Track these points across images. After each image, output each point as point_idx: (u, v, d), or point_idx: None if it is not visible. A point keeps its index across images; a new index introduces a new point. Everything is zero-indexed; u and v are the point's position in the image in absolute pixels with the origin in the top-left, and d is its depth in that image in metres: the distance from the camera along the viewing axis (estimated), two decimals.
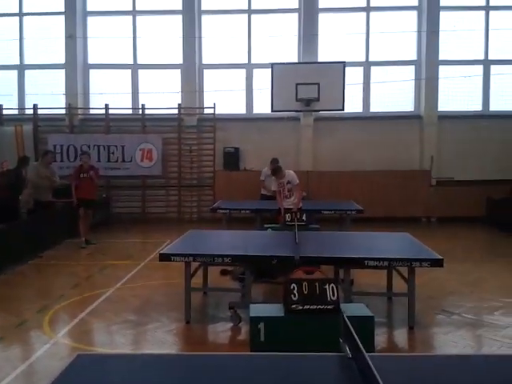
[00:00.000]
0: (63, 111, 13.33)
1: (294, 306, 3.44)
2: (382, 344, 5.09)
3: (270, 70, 12.08)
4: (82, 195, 9.76)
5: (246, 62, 13.52)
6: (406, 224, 11.17)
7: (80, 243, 9.68)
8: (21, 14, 13.67)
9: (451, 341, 5.16)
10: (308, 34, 13.07)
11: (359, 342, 2.32)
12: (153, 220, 12.90)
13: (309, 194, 12.11)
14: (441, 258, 5.24)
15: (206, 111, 13.43)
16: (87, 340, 5.27)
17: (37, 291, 7.09)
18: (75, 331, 5.48)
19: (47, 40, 13.53)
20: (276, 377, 2.41)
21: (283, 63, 12.44)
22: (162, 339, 5.16)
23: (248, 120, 13.39)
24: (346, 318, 2.66)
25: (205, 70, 13.63)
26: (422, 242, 6.17)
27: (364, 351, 2.24)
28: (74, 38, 13.25)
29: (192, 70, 13.40)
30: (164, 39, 13.42)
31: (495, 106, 13.26)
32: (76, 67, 13.38)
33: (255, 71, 13.48)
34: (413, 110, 13.38)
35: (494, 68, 13.20)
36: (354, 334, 2.43)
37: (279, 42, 13.33)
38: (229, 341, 5.23)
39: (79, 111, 13.54)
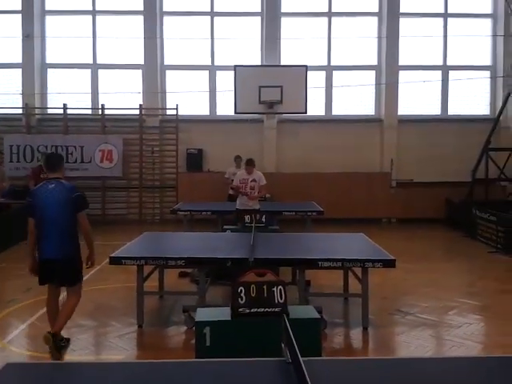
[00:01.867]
0: (20, 111, 12.99)
1: (241, 310, 3.39)
2: (335, 345, 5.11)
3: (233, 72, 12.02)
4: None
5: (209, 63, 13.45)
6: (367, 225, 11.34)
7: None
8: None
9: (404, 341, 5.22)
10: (271, 38, 13.11)
11: (295, 346, 2.29)
12: (113, 222, 12.66)
13: (272, 196, 12.13)
14: (393, 258, 5.29)
15: (169, 112, 13.30)
16: (35, 346, 5.08)
17: None
18: (23, 337, 5.32)
19: (4, 39, 13.13)
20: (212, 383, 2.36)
21: (246, 66, 12.39)
22: (112, 344, 5.04)
23: (211, 121, 13.32)
24: (287, 321, 2.64)
25: (167, 71, 13.50)
26: (381, 242, 6.23)
27: (299, 355, 2.21)
28: (32, 37, 12.91)
29: (154, 71, 13.24)
30: (125, 39, 13.22)
31: (453, 110, 13.59)
32: (33, 67, 13.05)
33: (218, 73, 13.42)
34: (373, 113, 13.58)
35: (452, 73, 13.53)
36: (292, 337, 2.40)
37: (242, 44, 13.33)
38: (181, 345, 5.15)
39: (36, 111, 13.20)
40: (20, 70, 13.11)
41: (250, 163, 8.62)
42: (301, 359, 2.20)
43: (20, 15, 13.03)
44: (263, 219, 7.36)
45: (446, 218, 12.48)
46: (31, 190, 5.03)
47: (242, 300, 3.42)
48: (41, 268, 4.74)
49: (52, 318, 4.85)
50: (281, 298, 3.45)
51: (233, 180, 11.36)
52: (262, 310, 3.39)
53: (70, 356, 4.81)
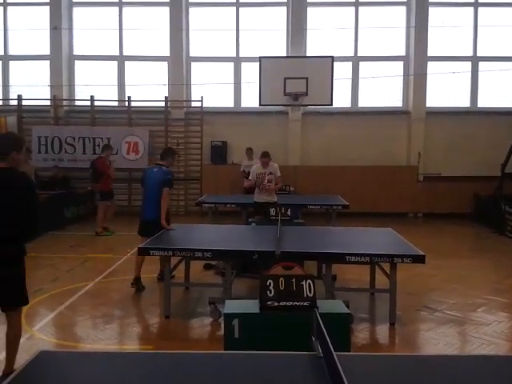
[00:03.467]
0: (48, 102, 13.17)
1: (269, 303, 3.37)
2: (362, 341, 5.05)
3: (258, 63, 11.96)
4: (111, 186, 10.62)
5: (234, 55, 13.41)
6: (393, 219, 11.19)
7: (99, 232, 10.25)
8: (5, 4, 13.47)
9: (432, 338, 5.13)
10: (296, 28, 12.98)
11: (328, 341, 2.26)
12: (139, 213, 12.71)
13: (296, 189, 12.08)
14: (423, 254, 5.19)
15: (194, 104, 13.32)
16: (63, 334, 5.18)
17: None
18: (52, 325, 5.40)
19: (32, 31, 13.33)
20: (243, 376, 2.35)
21: (271, 57, 12.30)
22: (139, 334, 5.09)
23: (236, 114, 13.30)
24: (318, 315, 2.60)
25: (192, 63, 13.51)
26: (407, 237, 6.13)
27: (332, 350, 2.18)
28: (60, 29, 13.06)
29: (179, 63, 13.26)
30: (151, 31, 13.27)
31: (483, 102, 13.28)
32: (61, 58, 13.22)
33: (243, 65, 13.38)
34: (401, 105, 13.36)
35: (482, 65, 13.20)
36: (325, 331, 2.37)
37: (268, 35, 13.24)
38: (207, 336, 5.16)
39: (64, 103, 13.37)
40: (48, 61, 13.31)
41: (267, 155, 8.33)
42: (334, 354, 2.17)
43: (48, 7, 13.20)
44: (288, 212, 7.32)
45: (474, 214, 12.24)
46: (144, 170, 7.13)
47: (270, 293, 3.40)
48: (142, 224, 6.67)
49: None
50: (310, 292, 3.42)
51: (248, 172, 11.40)
52: (291, 303, 3.37)
53: (97, 345, 4.87)
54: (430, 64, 13.10)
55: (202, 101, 12.95)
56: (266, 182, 8.18)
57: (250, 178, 8.45)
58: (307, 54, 12.98)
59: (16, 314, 3.91)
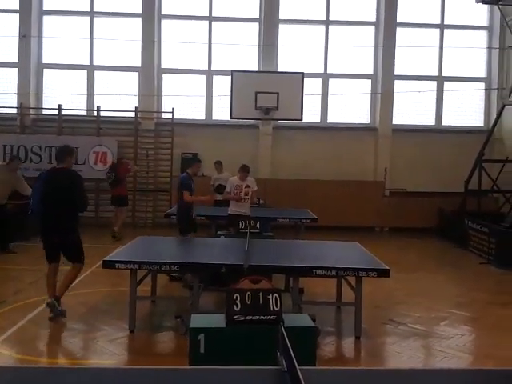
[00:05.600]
0: (15, 110, 12.91)
1: (235, 317, 3.38)
2: (328, 354, 5.09)
3: (229, 77, 12.05)
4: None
5: (206, 68, 13.46)
6: (360, 233, 11.34)
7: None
8: None
9: (396, 351, 5.22)
10: (268, 44, 13.14)
11: (293, 355, 2.28)
12: (106, 224, 12.54)
13: (266, 202, 12.12)
14: (387, 268, 5.30)
15: (164, 115, 13.28)
16: (25, 349, 5.03)
17: None
18: (13, 339, 5.25)
19: (0, 38, 13.07)
20: None
21: (243, 71, 12.43)
22: (103, 349, 4.99)
23: (207, 126, 13.31)
24: (284, 330, 2.63)
25: (164, 75, 13.48)
26: (373, 251, 6.24)
27: (296, 364, 2.20)
28: (29, 36, 12.86)
29: (150, 74, 13.22)
30: (122, 42, 13.19)
31: (447, 121, 13.68)
32: (30, 66, 12.99)
33: (215, 78, 13.44)
34: (368, 122, 13.63)
35: (447, 84, 13.62)
36: (289, 346, 2.39)
37: (239, 50, 13.35)
38: (173, 351, 5.10)
39: (31, 111, 13.12)
40: (16, 69, 13.05)
41: (247, 170, 8.55)
42: (298, 368, 2.19)
43: (17, 14, 12.97)
44: (258, 225, 7.34)
45: (438, 228, 12.52)
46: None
47: (237, 307, 3.41)
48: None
49: None
50: (276, 306, 3.45)
51: (217, 186, 11.41)
52: (257, 317, 3.39)
53: (59, 360, 4.77)
54: (397, 83, 13.44)
55: (172, 112, 12.91)
56: (242, 194, 8.32)
57: (227, 189, 8.63)
58: (278, 70, 13.15)
59: (79, 265, 5.97)
